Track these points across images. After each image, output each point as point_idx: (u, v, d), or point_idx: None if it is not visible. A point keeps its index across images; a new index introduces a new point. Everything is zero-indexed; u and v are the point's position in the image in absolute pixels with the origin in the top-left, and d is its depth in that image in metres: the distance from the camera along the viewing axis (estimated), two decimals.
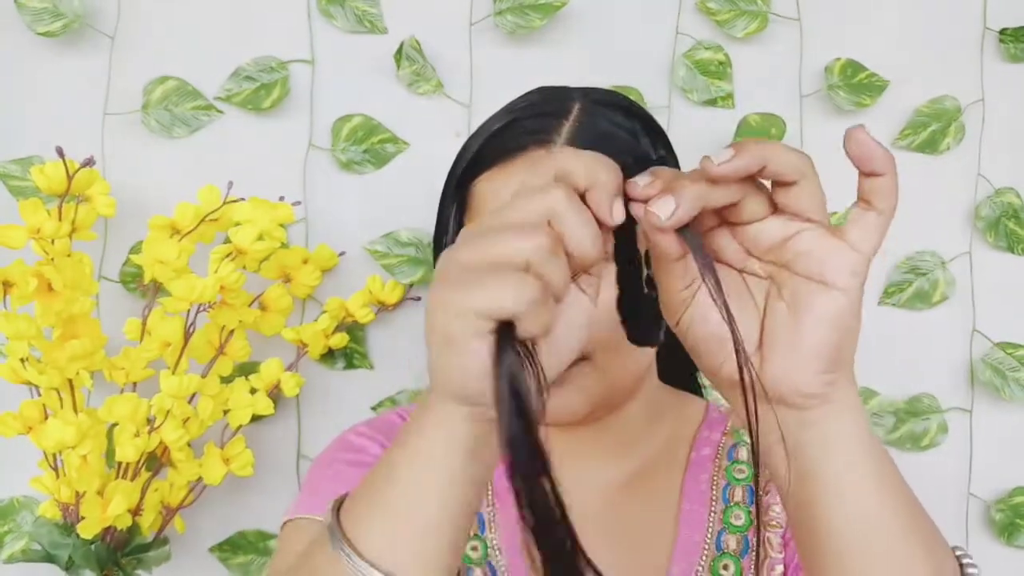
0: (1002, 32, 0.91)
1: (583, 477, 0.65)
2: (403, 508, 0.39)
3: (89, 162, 0.72)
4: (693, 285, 0.40)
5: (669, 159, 0.65)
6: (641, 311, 0.42)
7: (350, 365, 0.87)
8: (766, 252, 0.39)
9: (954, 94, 0.90)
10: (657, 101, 0.89)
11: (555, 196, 0.35)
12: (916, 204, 0.91)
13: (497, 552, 0.62)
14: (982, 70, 0.91)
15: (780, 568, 0.61)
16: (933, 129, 0.90)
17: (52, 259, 0.70)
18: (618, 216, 0.36)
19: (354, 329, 0.86)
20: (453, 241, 0.61)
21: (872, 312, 0.91)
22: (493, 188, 0.59)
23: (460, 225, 0.62)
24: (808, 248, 0.38)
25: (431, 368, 0.38)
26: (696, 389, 0.77)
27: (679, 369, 0.75)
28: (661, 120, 0.88)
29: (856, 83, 0.88)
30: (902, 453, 0.90)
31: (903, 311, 0.91)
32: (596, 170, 0.36)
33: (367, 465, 0.63)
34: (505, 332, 0.34)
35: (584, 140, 0.58)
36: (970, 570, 0.44)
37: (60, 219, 0.71)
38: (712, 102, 0.89)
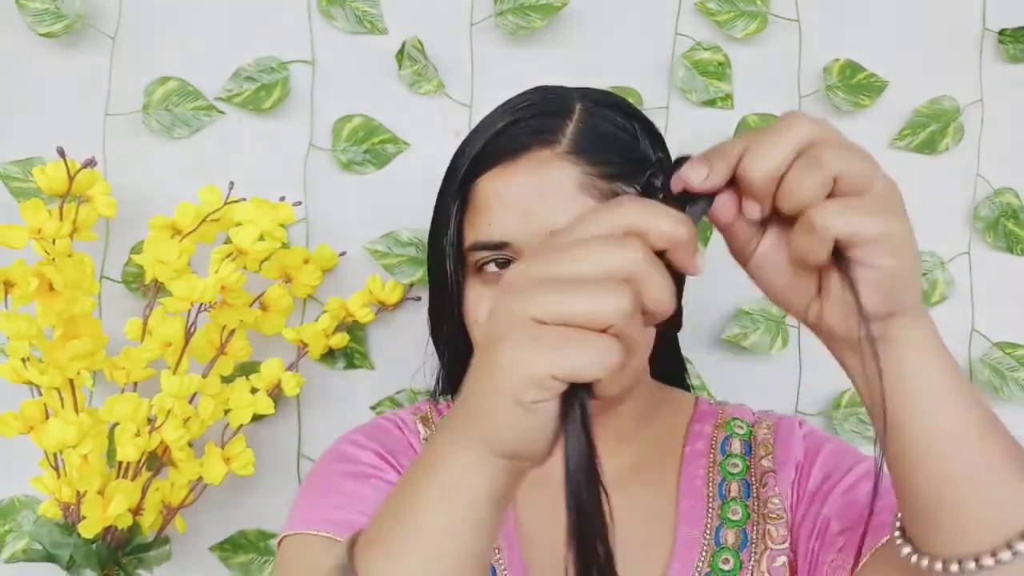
0: (1001, 33, 0.91)
1: None
2: (422, 554, 0.38)
3: (90, 163, 0.72)
4: (758, 236, 0.42)
5: (666, 161, 0.65)
6: None
7: (351, 365, 0.87)
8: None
9: (953, 94, 0.90)
10: (656, 102, 0.89)
11: (635, 256, 0.34)
12: (915, 204, 0.90)
13: (496, 551, 0.62)
14: (981, 70, 0.91)
15: (783, 559, 0.61)
16: (932, 129, 0.90)
17: (53, 259, 0.70)
18: (700, 269, 0.37)
19: (354, 329, 0.87)
20: (455, 240, 0.62)
21: None
22: (496, 188, 0.59)
23: (461, 224, 0.62)
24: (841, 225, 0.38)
25: (481, 417, 0.36)
26: (685, 386, 0.78)
27: (670, 365, 0.75)
28: (660, 120, 0.88)
29: (855, 84, 0.88)
30: None
31: None
32: (677, 228, 0.35)
33: (362, 476, 0.63)
34: (580, 392, 0.34)
35: (588, 141, 0.58)
36: None
37: (61, 219, 0.71)
38: (711, 102, 0.89)
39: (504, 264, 0.60)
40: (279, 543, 0.62)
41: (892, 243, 0.37)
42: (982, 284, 0.92)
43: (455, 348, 0.67)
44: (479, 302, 0.61)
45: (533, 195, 0.57)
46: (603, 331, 0.33)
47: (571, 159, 0.57)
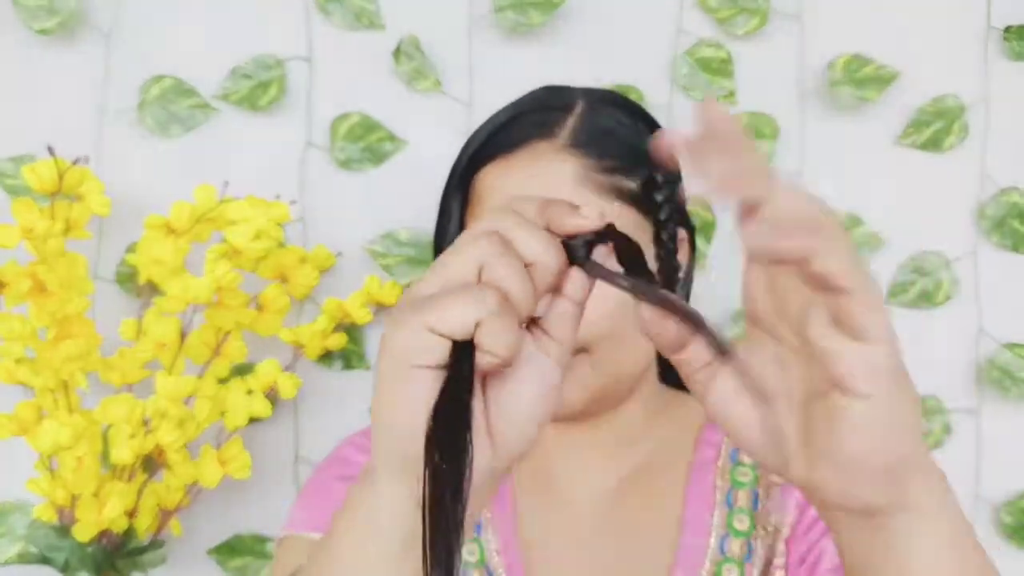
0: (1006, 30, 0.90)
1: (582, 475, 0.64)
2: None
3: (80, 160, 0.72)
4: (711, 366, 0.35)
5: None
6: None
7: (348, 366, 0.87)
8: (791, 318, 0.32)
9: (958, 92, 0.89)
10: (658, 99, 0.88)
11: (491, 224, 0.32)
12: (920, 203, 0.90)
13: (495, 554, 0.62)
14: (986, 68, 0.91)
15: (780, 574, 0.61)
16: (937, 128, 0.89)
17: (45, 259, 0.69)
18: (590, 218, 0.33)
19: (352, 330, 0.86)
20: (456, 234, 0.62)
21: None
22: (495, 181, 0.60)
23: (463, 218, 0.63)
24: (816, 337, 0.29)
25: (375, 416, 0.33)
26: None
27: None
28: (662, 118, 0.87)
29: (861, 77, 0.87)
30: None
31: (908, 311, 0.90)
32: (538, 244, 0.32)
33: (356, 479, 0.63)
34: (463, 354, 0.31)
35: (586, 135, 0.59)
36: None
37: (52, 218, 0.70)
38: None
39: None
40: (278, 544, 0.64)
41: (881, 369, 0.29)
42: (988, 284, 0.91)
43: None
44: None
45: (530, 188, 0.57)
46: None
47: (569, 152, 0.58)
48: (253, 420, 0.79)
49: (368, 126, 0.85)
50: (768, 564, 0.62)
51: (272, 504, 0.85)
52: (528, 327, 0.34)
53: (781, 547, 0.62)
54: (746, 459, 0.66)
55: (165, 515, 0.79)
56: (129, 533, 0.76)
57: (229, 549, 0.85)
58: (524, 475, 0.65)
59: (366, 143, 0.85)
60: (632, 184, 0.58)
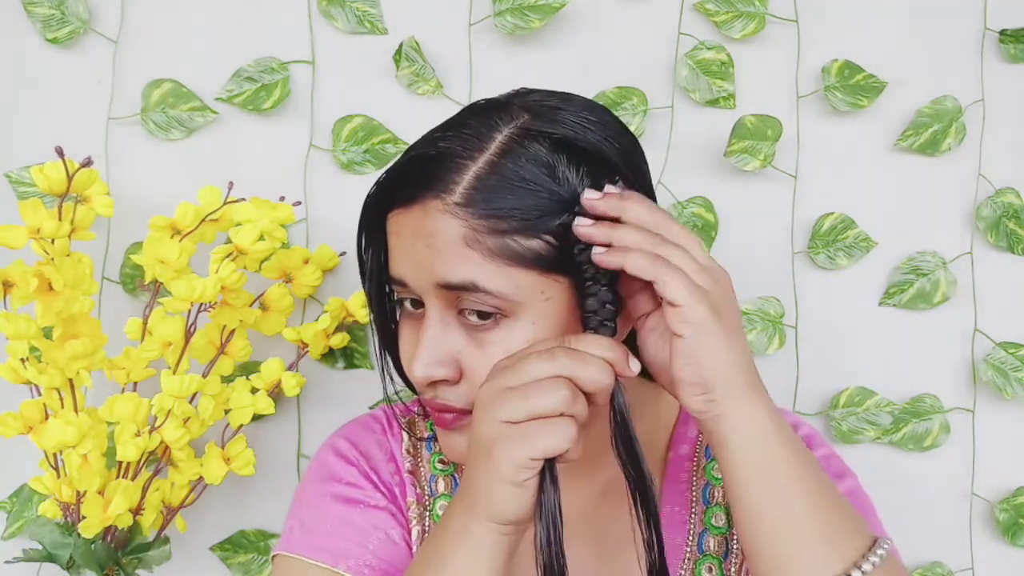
0: (1002, 33, 0.90)
1: (562, 478, 0.62)
2: None
3: (88, 163, 0.72)
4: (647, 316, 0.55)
5: (635, 179, 0.58)
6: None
7: (351, 365, 0.87)
8: None
9: (954, 95, 0.90)
10: (660, 101, 0.89)
11: (565, 393, 0.49)
12: (917, 205, 0.91)
13: None
14: (982, 71, 0.91)
15: None
16: (934, 129, 0.90)
17: (52, 259, 0.70)
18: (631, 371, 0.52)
19: (355, 329, 0.87)
20: (374, 266, 0.61)
21: (873, 313, 0.91)
22: (395, 229, 0.57)
23: (386, 254, 0.60)
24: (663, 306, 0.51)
25: (487, 501, 0.49)
26: None
27: None
28: (664, 120, 0.88)
29: (853, 84, 0.88)
30: (904, 454, 0.90)
31: (904, 311, 0.91)
32: (599, 377, 0.50)
33: (350, 501, 0.63)
34: (550, 462, 0.49)
35: (483, 193, 0.53)
36: (879, 551, 0.50)
37: (60, 219, 0.71)
38: (714, 102, 0.89)
39: (416, 304, 0.57)
40: (273, 558, 0.63)
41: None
42: (984, 284, 0.91)
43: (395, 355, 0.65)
44: (402, 332, 0.60)
45: (421, 246, 0.54)
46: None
47: (460, 212, 0.52)
48: (257, 418, 0.80)
49: (370, 128, 0.86)
50: (743, 562, 0.62)
51: (276, 501, 0.86)
52: None
53: None
54: None
55: (170, 512, 0.79)
56: (134, 530, 0.77)
57: (233, 545, 0.86)
58: None
59: (369, 145, 0.86)
60: (533, 243, 0.52)
